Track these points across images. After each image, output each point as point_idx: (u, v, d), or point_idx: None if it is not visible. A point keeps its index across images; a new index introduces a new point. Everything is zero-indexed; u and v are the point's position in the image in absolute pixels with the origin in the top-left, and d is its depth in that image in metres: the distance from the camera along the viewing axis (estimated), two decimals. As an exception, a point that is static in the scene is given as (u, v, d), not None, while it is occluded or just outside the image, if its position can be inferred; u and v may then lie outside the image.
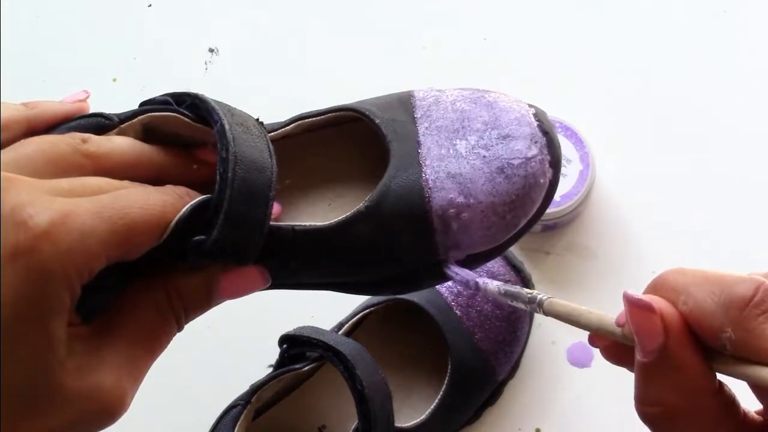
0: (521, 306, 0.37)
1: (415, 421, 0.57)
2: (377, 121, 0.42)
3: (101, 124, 0.40)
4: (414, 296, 0.59)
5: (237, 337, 0.65)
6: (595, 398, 0.64)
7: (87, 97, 0.40)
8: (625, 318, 0.32)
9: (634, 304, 0.31)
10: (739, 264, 0.65)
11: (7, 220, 0.31)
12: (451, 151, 0.40)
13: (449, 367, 0.58)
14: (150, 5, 0.71)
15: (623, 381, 0.63)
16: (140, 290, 0.36)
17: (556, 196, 0.61)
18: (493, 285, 0.39)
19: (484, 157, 0.40)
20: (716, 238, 0.66)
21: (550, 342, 0.64)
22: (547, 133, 0.41)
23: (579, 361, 0.64)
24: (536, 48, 0.69)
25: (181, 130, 0.41)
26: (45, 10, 0.71)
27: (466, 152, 0.40)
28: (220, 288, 0.37)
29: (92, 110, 0.72)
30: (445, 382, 0.58)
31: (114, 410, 0.34)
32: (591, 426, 0.63)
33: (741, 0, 0.69)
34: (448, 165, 0.40)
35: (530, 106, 0.43)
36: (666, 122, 0.67)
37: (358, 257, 0.40)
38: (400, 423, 0.56)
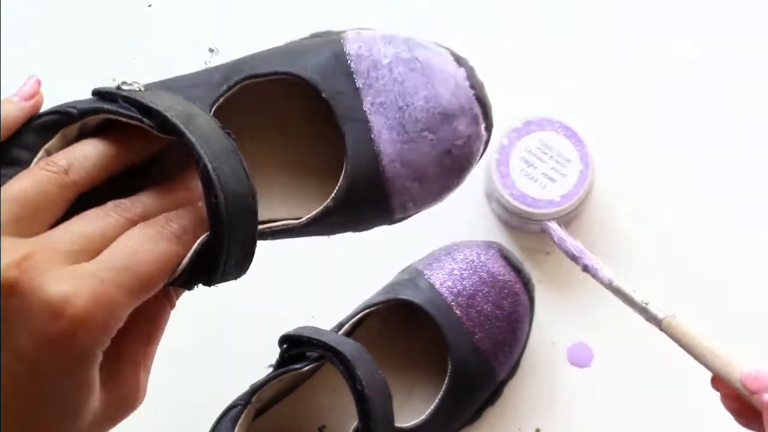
0: (635, 311, 0.37)
1: (415, 421, 0.57)
2: (324, 95, 0.44)
3: (63, 122, 0.41)
4: (414, 296, 0.59)
5: (237, 337, 0.65)
6: (595, 398, 0.64)
7: (39, 86, 0.40)
8: (753, 384, 0.33)
9: None
10: (739, 264, 0.65)
11: (43, 310, 0.33)
12: (402, 136, 0.44)
13: (449, 367, 0.58)
14: (150, 5, 0.71)
15: (623, 381, 0.64)
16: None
17: (556, 196, 0.61)
18: (604, 274, 0.41)
19: (431, 140, 0.44)
20: (716, 238, 0.66)
21: (550, 342, 0.64)
22: (480, 99, 0.45)
23: (579, 361, 0.64)
24: (536, 48, 0.69)
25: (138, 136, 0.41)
26: (45, 10, 0.71)
27: (414, 135, 0.44)
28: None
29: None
30: (445, 382, 0.58)
31: (137, 402, 0.38)
32: (591, 426, 0.63)
33: (742, 1, 0.69)
34: (402, 152, 0.44)
35: (459, 64, 0.46)
36: (666, 122, 0.67)
37: (327, 233, 0.46)
38: (400, 423, 0.56)
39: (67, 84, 0.70)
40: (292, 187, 0.47)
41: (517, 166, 0.62)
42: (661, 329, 0.35)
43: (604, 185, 0.66)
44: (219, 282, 0.40)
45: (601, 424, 0.63)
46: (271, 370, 0.58)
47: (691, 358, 0.35)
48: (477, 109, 0.45)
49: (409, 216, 0.47)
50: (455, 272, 0.60)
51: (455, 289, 0.59)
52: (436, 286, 0.59)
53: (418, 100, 0.44)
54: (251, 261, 0.40)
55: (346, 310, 0.61)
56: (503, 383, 0.62)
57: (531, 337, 0.63)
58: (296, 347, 0.57)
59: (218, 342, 0.65)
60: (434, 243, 0.64)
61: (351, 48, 0.45)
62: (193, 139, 0.39)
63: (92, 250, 0.35)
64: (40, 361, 0.33)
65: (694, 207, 0.66)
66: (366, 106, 0.44)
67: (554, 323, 0.65)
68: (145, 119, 0.39)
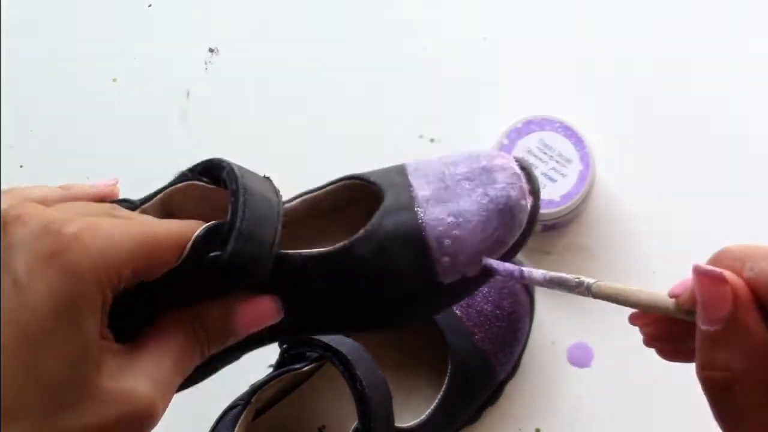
0: (568, 292, 0.39)
1: (415, 421, 0.57)
2: (372, 179, 0.47)
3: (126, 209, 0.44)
4: (414, 296, 0.58)
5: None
6: (595, 398, 0.64)
7: (116, 183, 0.44)
8: (678, 290, 0.35)
9: (705, 275, 0.33)
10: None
11: (41, 231, 0.34)
12: (440, 184, 0.46)
13: (449, 367, 0.58)
14: (150, 5, 0.71)
15: (623, 381, 0.64)
16: (168, 318, 0.39)
17: (556, 196, 0.61)
18: (538, 273, 0.42)
19: (469, 185, 0.45)
20: (717, 238, 0.65)
21: (550, 342, 0.64)
22: (524, 169, 0.46)
23: (579, 361, 0.64)
24: (536, 48, 0.69)
25: (199, 200, 0.44)
26: (45, 10, 0.71)
27: (452, 183, 0.45)
28: (237, 316, 0.40)
29: (93, 110, 0.72)
30: (445, 382, 0.58)
31: (147, 417, 0.36)
32: (591, 426, 0.63)
33: (742, 0, 0.69)
34: (437, 193, 0.45)
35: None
36: (666, 122, 0.67)
37: (362, 279, 0.43)
38: (400, 423, 0.56)
39: (67, 84, 0.70)
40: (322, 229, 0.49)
41: (517, 166, 0.62)
42: (594, 295, 0.37)
43: (604, 185, 0.66)
44: (231, 274, 0.39)
45: (601, 424, 0.63)
46: (271, 370, 0.58)
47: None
48: (518, 171, 0.46)
49: (449, 265, 0.45)
50: (455, 272, 0.59)
51: (455, 289, 0.59)
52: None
53: (461, 167, 0.46)
54: (266, 263, 0.40)
55: (346, 310, 0.61)
56: (503, 383, 0.62)
57: (531, 337, 0.63)
58: (296, 347, 0.57)
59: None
60: (434, 243, 0.64)
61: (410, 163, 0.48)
62: (228, 160, 0.43)
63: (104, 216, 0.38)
64: (35, 282, 0.33)
65: (694, 207, 0.66)
66: (411, 179, 0.46)
67: (554, 323, 0.65)
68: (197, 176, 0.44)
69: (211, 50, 0.70)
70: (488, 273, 0.45)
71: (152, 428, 0.37)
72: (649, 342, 0.39)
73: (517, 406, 0.63)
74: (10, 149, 0.68)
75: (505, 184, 0.45)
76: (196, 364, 0.40)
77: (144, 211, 0.43)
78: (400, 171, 0.47)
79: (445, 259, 0.43)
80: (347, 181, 0.48)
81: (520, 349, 0.62)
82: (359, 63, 0.70)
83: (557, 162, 0.62)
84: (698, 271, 0.33)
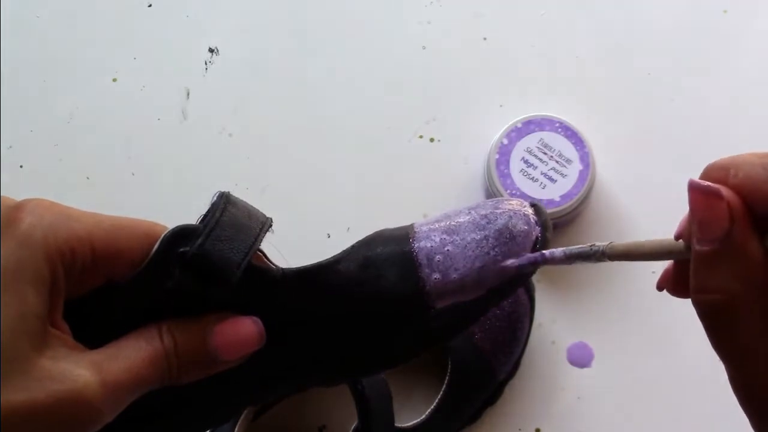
0: (588, 262, 0.38)
1: (415, 421, 0.57)
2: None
3: None
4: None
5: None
6: (595, 398, 0.64)
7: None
8: (681, 229, 0.33)
9: (700, 191, 0.31)
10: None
11: (2, 203, 0.34)
12: (439, 214, 0.43)
13: (449, 367, 0.58)
14: (150, 5, 0.71)
15: (623, 381, 0.64)
16: (137, 330, 0.37)
17: (556, 196, 0.62)
18: (558, 251, 0.40)
19: (469, 212, 0.42)
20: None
21: (550, 342, 0.64)
22: (534, 205, 0.43)
23: (579, 361, 0.64)
24: (536, 48, 0.69)
25: None
26: (45, 10, 0.71)
27: (452, 212, 0.43)
28: (214, 336, 0.37)
29: (93, 110, 0.72)
30: (445, 382, 0.58)
31: (84, 404, 0.33)
32: (591, 426, 0.63)
33: (741, 0, 0.69)
34: (434, 218, 0.43)
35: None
36: (666, 122, 0.68)
37: (344, 298, 0.40)
38: (400, 423, 0.56)
39: (67, 84, 0.70)
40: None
41: (517, 166, 0.62)
42: (610, 257, 0.36)
43: (604, 185, 0.66)
44: (199, 273, 0.37)
45: (601, 424, 0.63)
46: (271, 370, 0.58)
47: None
48: (526, 206, 0.43)
49: (440, 279, 0.41)
50: (455, 272, 0.59)
51: (455, 289, 0.59)
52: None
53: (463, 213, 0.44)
54: (239, 267, 0.38)
55: (346, 310, 0.61)
56: (503, 383, 0.62)
57: (531, 337, 0.63)
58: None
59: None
60: (434, 243, 0.64)
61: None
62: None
63: None
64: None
65: (694, 207, 0.66)
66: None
67: (554, 323, 0.65)
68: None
69: (211, 50, 0.70)
70: (486, 301, 0.41)
71: (94, 425, 0.34)
72: (660, 284, 0.37)
73: (517, 406, 0.63)
74: (9, 149, 0.68)
75: (507, 210, 0.42)
76: (161, 380, 0.36)
77: None
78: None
79: (436, 276, 0.40)
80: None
81: (520, 349, 0.62)
82: (359, 63, 0.70)
83: (557, 162, 0.62)
84: (692, 187, 0.31)
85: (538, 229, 0.42)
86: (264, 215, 0.40)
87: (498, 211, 0.42)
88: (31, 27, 0.71)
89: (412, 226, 0.43)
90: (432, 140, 0.68)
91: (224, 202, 0.38)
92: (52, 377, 0.32)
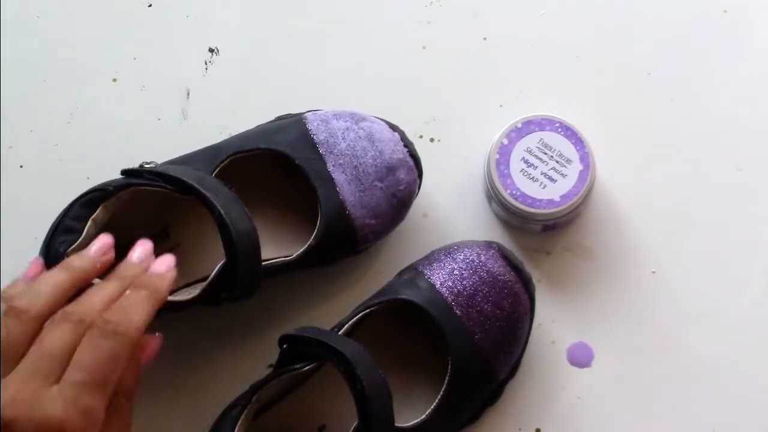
0: None
1: (415, 421, 0.57)
2: (297, 162, 0.59)
3: (102, 197, 0.56)
4: (414, 296, 0.59)
5: (237, 337, 0.65)
6: (595, 398, 0.64)
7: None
8: None
9: None
10: (738, 263, 0.65)
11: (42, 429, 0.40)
12: (359, 186, 0.60)
13: (449, 367, 0.58)
14: (150, 5, 0.71)
15: (623, 381, 0.64)
16: None
17: (556, 196, 0.62)
18: None
19: (381, 187, 0.60)
20: (716, 238, 0.66)
21: (550, 342, 0.64)
22: (412, 154, 0.62)
23: (579, 361, 0.64)
24: (536, 48, 0.69)
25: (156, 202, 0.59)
26: (45, 10, 0.71)
27: (368, 185, 0.60)
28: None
29: (93, 110, 0.72)
30: (445, 382, 0.58)
31: (130, 425, 0.45)
32: (591, 426, 0.63)
33: (741, 0, 0.69)
34: (361, 198, 0.60)
35: (393, 130, 0.62)
36: (666, 122, 0.68)
37: (308, 267, 0.61)
38: (400, 423, 0.56)
39: (67, 84, 0.70)
40: (280, 234, 0.62)
41: (517, 166, 0.62)
42: None
43: (604, 185, 0.66)
44: (235, 299, 0.57)
45: (601, 424, 0.63)
46: (271, 370, 0.58)
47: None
48: (411, 162, 0.61)
49: (370, 246, 0.63)
50: (455, 272, 0.60)
51: (455, 289, 0.59)
52: (437, 286, 0.59)
53: (367, 159, 0.60)
54: (257, 283, 0.57)
55: (346, 309, 0.61)
56: (503, 383, 0.62)
57: (531, 337, 0.63)
58: (296, 347, 0.57)
59: (218, 342, 0.65)
60: (434, 243, 0.64)
61: (312, 126, 0.61)
62: (206, 193, 0.54)
63: (63, 361, 0.42)
64: None
65: (694, 206, 0.66)
66: (329, 167, 0.59)
67: (554, 323, 0.65)
68: (168, 185, 0.56)
69: (211, 50, 0.70)
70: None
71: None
72: None
73: (517, 406, 0.63)
74: (10, 149, 0.68)
75: (405, 183, 0.61)
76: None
77: (119, 199, 0.57)
78: (307, 141, 0.60)
79: (366, 245, 0.62)
80: (267, 152, 0.60)
81: (520, 349, 0.62)
82: (359, 63, 0.70)
83: (557, 162, 0.62)
84: None
85: (418, 181, 0.63)
86: (239, 204, 0.57)
87: (401, 187, 0.62)
88: (31, 27, 0.71)
89: (342, 203, 0.60)
90: (432, 140, 0.68)
91: (237, 240, 0.55)
92: None
